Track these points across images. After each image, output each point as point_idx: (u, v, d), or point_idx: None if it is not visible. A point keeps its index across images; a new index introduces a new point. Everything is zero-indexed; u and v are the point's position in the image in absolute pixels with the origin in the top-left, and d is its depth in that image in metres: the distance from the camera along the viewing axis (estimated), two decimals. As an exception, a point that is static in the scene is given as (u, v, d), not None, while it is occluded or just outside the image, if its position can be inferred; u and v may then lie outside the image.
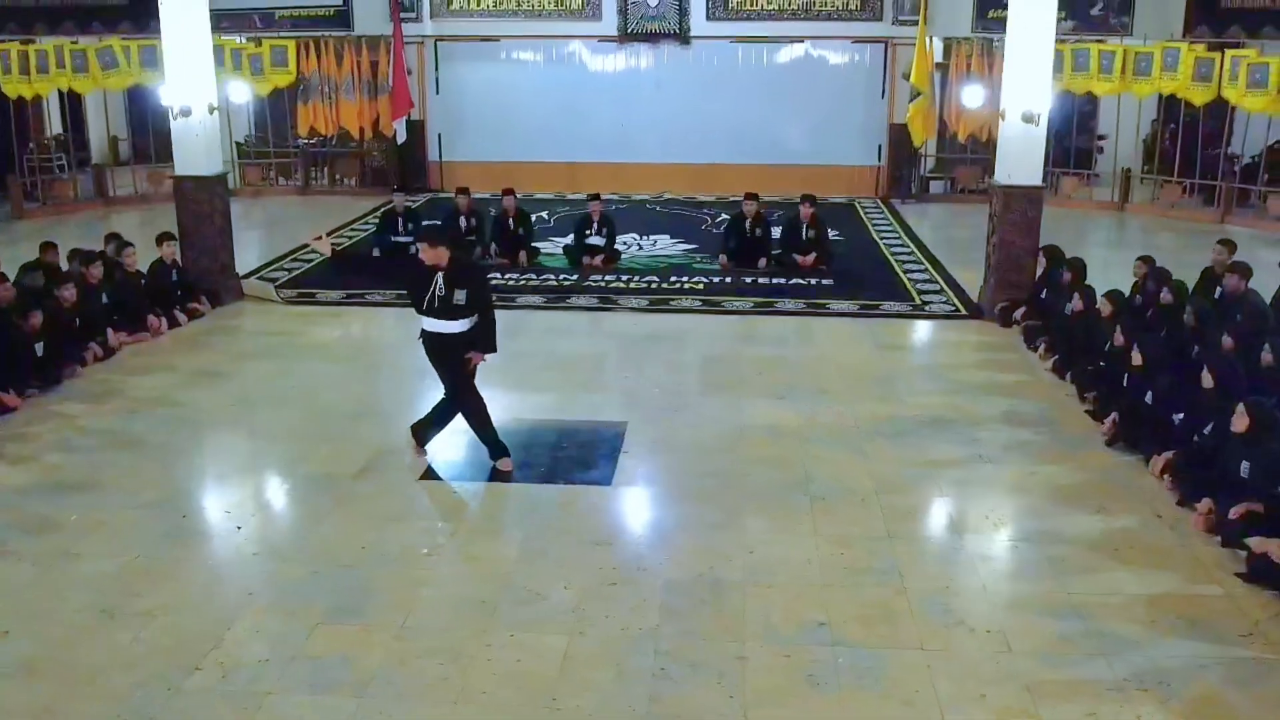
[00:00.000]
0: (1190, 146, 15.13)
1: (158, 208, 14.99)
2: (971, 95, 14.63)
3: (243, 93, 16.14)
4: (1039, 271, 9.33)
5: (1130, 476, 6.23)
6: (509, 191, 11.85)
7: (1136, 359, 6.69)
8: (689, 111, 16.38)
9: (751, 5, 16.07)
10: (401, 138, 16.24)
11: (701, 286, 10.68)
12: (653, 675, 4.30)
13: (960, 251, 12.12)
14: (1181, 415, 6.36)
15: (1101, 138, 16.56)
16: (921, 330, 9.36)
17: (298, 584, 5.02)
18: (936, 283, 10.83)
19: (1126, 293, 8.36)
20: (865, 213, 14.90)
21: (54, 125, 17.39)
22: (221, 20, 14.65)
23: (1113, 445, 6.60)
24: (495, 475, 6.18)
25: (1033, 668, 4.36)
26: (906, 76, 15.47)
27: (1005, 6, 15.44)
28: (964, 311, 9.75)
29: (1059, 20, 15.40)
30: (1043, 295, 9.07)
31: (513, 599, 4.88)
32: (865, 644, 4.53)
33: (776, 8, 16.03)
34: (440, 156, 16.85)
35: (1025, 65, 9.01)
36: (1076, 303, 8.08)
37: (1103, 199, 15.41)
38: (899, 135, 15.88)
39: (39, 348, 7.71)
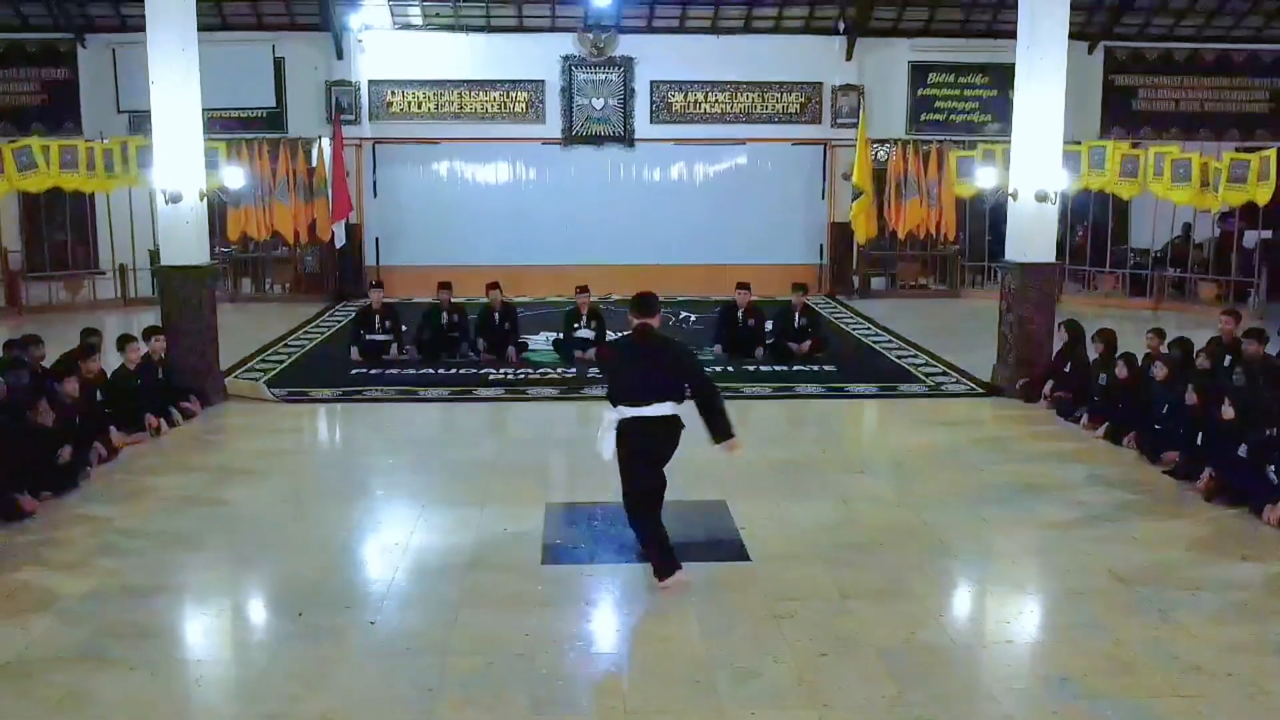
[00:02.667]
0: (1103, 242, 16.05)
1: (78, 316, 13.95)
2: (981, 177, 15.11)
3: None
4: (1057, 346, 9.55)
5: (1249, 527, 6.28)
6: (494, 286, 11.50)
7: (1228, 413, 6.82)
8: (633, 213, 16.45)
9: (695, 109, 16.43)
10: (340, 242, 15.71)
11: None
12: (932, 742, 3.97)
13: (935, 338, 12.39)
14: (1274, 465, 6.51)
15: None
16: (951, 409, 9.33)
17: (478, 677, 4.47)
18: (936, 365, 10.96)
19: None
20: (820, 308, 15.07)
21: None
22: (145, 122, 13.96)
23: (1211, 500, 6.67)
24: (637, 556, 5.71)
25: (1300, 707, 4.22)
26: (847, 177, 16.01)
27: (938, 110, 16.49)
28: (980, 390, 9.85)
29: (986, 124, 16.51)
30: (1066, 369, 9.24)
31: (727, 677, 4.46)
32: (1123, 695, 4.31)
33: (719, 111, 16.43)
34: (378, 261, 16.34)
35: (1036, 146, 9.34)
36: (1122, 370, 8.25)
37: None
38: (840, 234, 16.32)
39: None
